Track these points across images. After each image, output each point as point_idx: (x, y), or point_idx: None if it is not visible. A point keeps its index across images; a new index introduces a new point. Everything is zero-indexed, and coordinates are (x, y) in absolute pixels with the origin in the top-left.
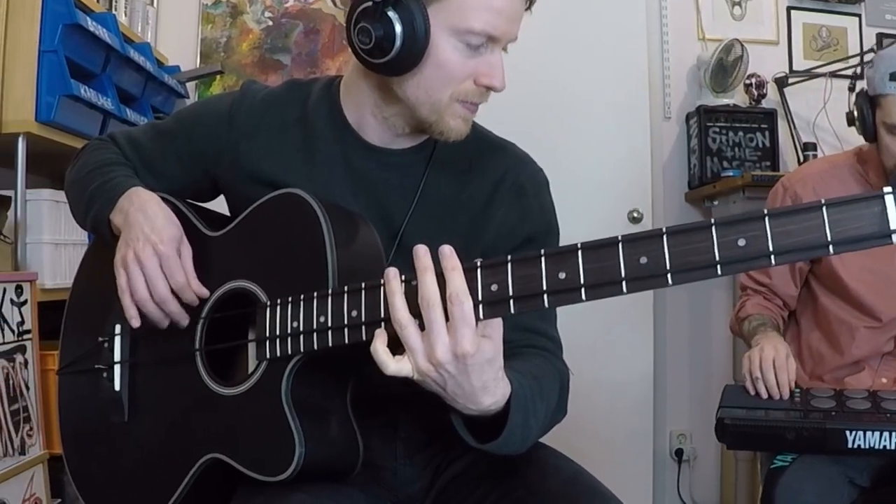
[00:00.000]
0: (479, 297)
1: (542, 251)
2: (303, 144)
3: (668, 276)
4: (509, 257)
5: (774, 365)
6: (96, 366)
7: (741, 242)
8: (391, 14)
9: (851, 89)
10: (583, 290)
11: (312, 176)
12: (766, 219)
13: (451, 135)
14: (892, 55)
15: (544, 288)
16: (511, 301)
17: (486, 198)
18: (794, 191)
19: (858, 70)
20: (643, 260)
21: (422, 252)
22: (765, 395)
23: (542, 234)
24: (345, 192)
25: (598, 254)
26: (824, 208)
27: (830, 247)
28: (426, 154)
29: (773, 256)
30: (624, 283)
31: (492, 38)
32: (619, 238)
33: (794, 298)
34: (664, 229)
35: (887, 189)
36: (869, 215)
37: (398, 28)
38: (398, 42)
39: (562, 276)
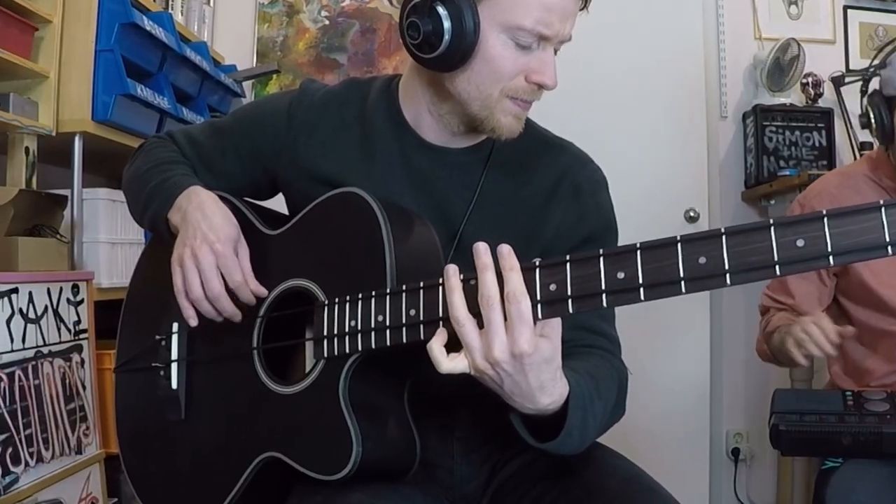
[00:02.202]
0: (538, 297)
1: (601, 251)
2: (361, 143)
3: (727, 276)
4: (568, 257)
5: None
6: (153, 364)
7: (800, 243)
8: (440, 9)
9: (864, 92)
10: (641, 289)
11: (371, 174)
12: (825, 219)
13: (503, 132)
14: None
15: (603, 288)
16: (569, 301)
17: (544, 197)
18: (812, 207)
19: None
20: (702, 260)
21: (482, 250)
22: (817, 353)
23: (601, 233)
24: (403, 191)
25: (656, 254)
26: (883, 209)
27: (889, 247)
28: (484, 153)
29: (831, 257)
30: (683, 283)
31: (543, 37)
32: (678, 238)
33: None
34: (723, 229)
35: None
36: None
37: (446, 23)
38: (447, 37)
39: (620, 275)
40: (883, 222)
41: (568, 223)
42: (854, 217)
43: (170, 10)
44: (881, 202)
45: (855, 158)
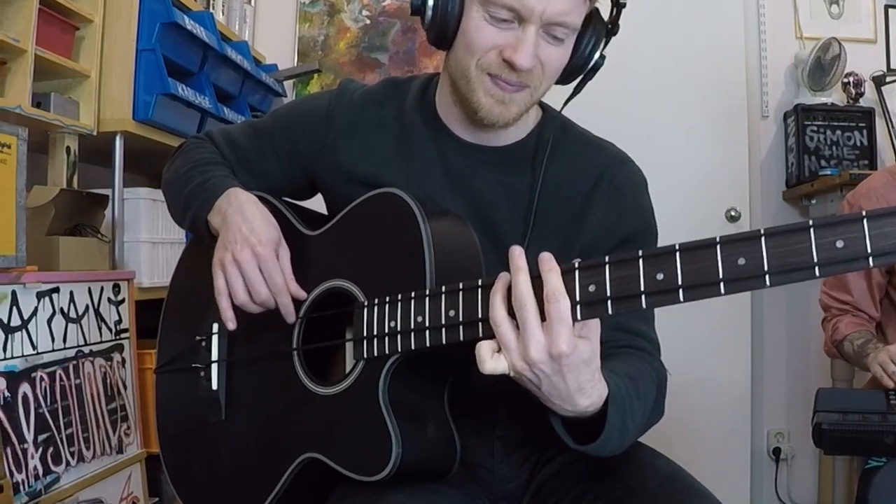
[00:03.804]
0: (577, 298)
1: (640, 252)
2: (400, 143)
3: (767, 277)
4: (607, 258)
5: None
6: (193, 365)
7: (839, 244)
8: None
9: None
10: (681, 291)
11: (410, 174)
12: (865, 220)
13: (484, 114)
14: None
15: (642, 289)
16: (609, 302)
17: (583, 197)
18: (860, 206)
19: None
20: (741, 261)
21: (517, 253)
22: None
23: (640, 234)
24: (443, 191)
25: (695, 255)
26: None
27: None
28: (523, 153)
29: (871, 258)
30: (722, 284)
31: (518, 14)
32: (717, 239)
33: (876, 313)
34: (762, 230)
35: None
36: None
37: (429, 0)
38: (430, 13)
39: (659, 277)
40: None
41: (608, 224)
42: (894, 218)
43: (211, 10)
44: None
45: None
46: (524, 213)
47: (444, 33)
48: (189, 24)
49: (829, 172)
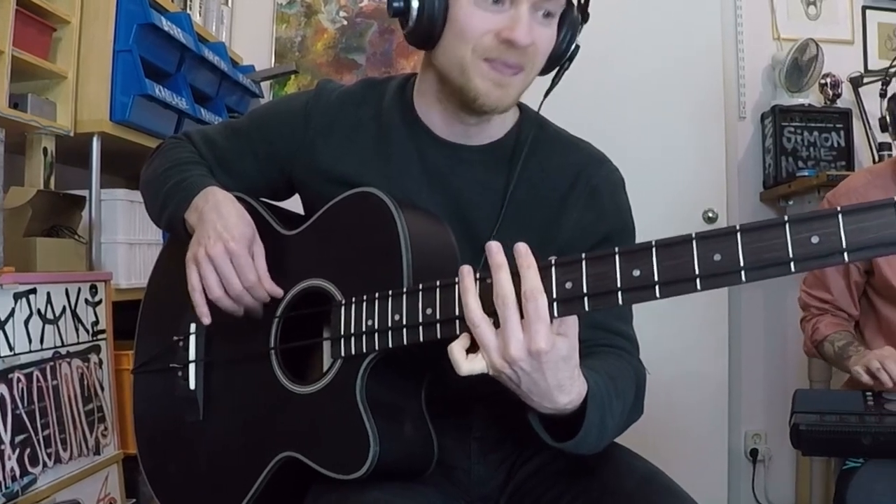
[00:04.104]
0: (554, 295)
1: (616, 249)
2: (377, 142)
3: (742, 272)
4: (583, 255)
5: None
6: (171, 365)
7: (814, 239)
8: None
9: (883, 95)
10: (657, 287)
11: (388, 174)
12: (840, 216)
13: (483, 99)
14: None
15: (619, 285)
16: (585, 298)
17: (561, 197)
18: (839, 205)
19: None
20: (717, 257)
21: (495, 249)
22: (889, 384)
23: (618, 233)
24: (421, 190)
25: (672, 251)
26: None
27: None
28: (502, 152)
29: (846, 253)
30: (698, 280)
31: None
32: (693, 235)
33: (856, 312)
34: (738, 226)
35: None
36: None
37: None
38: (415, 11)
39: (636, 273)
40: None
41: (585, 223)
42: (869, 213)
43: (188, 11)
44: (895, 198)
45: (873, 159)
46: (503, 213)
47: (431, 29)
48: (166, 25)
49: (806, 173)
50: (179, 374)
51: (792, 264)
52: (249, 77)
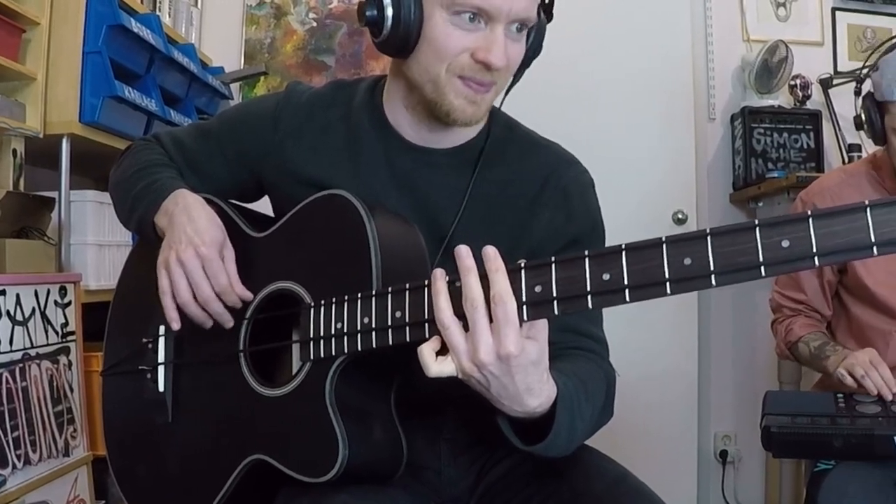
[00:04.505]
0: (524, 299)
1: (586, 252)
2: (347, 145)
3: (713, 277)
4: (553, 258)
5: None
6: (140, 367)
7: (785, 243)
8: None
9: (857, 93)
10: (627, 291)
11: (357, 176)
12: (810, 220)
13: (457, 116)
14: None
15: (588, 289)
16: (555, 302)
17: (531, 199)
18: (813, 204)
19: (863, 73)
20: (687, 261)
21: (464, 253)
22: (874, 392)
23: (588, 235)
24: (389, 192)
25: (641, 255)
26: (868, 209)
27: (874, 248)
28: (470, 155)
29: (816, 258)
30: (668, 284)
31: (485, 13)
32: (664, 239)
33: (829, 312)
34: (708, 230)
35: None
36: None
37: (388, 8)
38: (389, 21)
39: (606, 277)
40: (868, 222)
41: (555, 225)
42: (840, 217)
43: (157, 12)
44: (866, 202)
45: (843, 160)
46: (471, 215)
47: (405, 42)
48: (135, 26)
49: (775, 175)
50: (148, 376)
51: (762, 268)
52: (219, 78)
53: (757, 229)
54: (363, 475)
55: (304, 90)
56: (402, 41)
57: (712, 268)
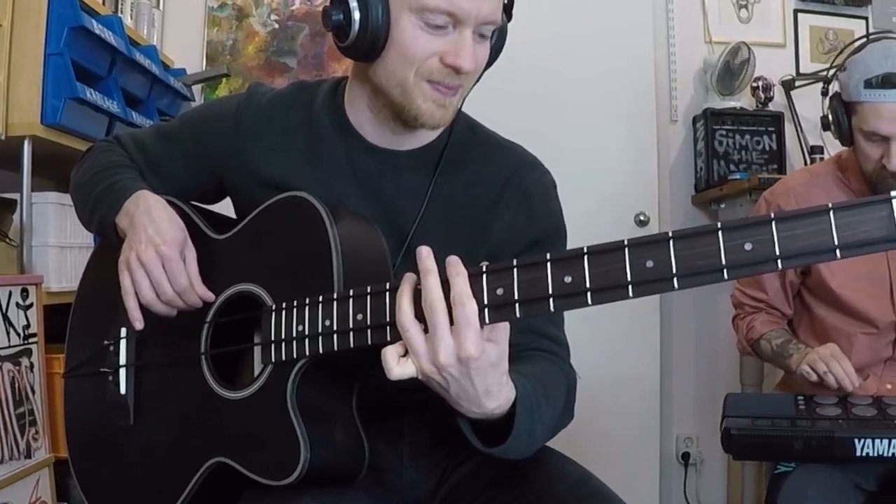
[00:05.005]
0: (485, 301)
1: (548, 255)
2: (308, 146)
3: (675, 280)
4: (515, 262)
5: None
6: (101, 369)
7: (748, 246)
8: None
9: (825, 93)
10: (589, 294)
11: (318, 178)
12: (773, 223)
13: (425, 119)
14: (865, 61)
15: (550, 292)
16: (517, 305)
17: (492, 200)
18: (778, 204)
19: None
20: (649, 264)
21: (424, 254)
22: (835, 386)
23: (549, 236)
24: (351, 195)
25: (603, 258)
26: (831, 212)
27: (837, 251)
28: (432, 156)
29: (779, 261)
30: (630, 287)
31: (454, 17)
32: (626, 242)
33: (790, 311)
34: (670, 233)
35: (895, 193)
36: (876, 219)
37: (355, 12)
38: (356, 25)
39: (567, 280)
40: (832, 225)
41: (516, 227)
42: (803, 220)
43: (119, 14)
44: (829, 205)
45: (805, 162)
46: (432, 216)
47: (372, 47)
48: (97, 28)
49: (738, 177)
50: (110, 378)
51: (725, 271)
52: (181, 80)
53: (719, 232)
54: (325, 478)
55: (266, 92)
56: (369, 46)
57: (674, 271)
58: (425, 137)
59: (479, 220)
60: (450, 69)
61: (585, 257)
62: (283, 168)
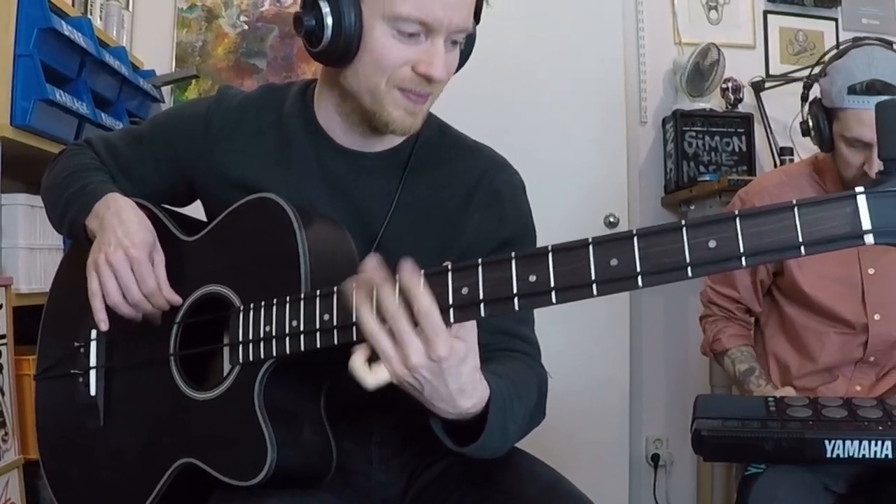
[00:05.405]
0: (450, 301)
1: (513, 254)
2: (278, 148)
3: (639, 277)
4: (480, 260)
5: None
6: (72, 371)
7: (712, 244)
8: (322, 4)
9: (805, 99)
10: (553, 292)
11: (288, 180)
12: (737, 220)
13: (396, 126)
14: (848, 68)
15: (515, 291)
16: (482, 304)
17: (461, 201)
18: (752, 203)
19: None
20: (613, 262)
21: (370, 265)
22: None
23: (519, 238)
24: (320, 196)
25: (568, 256)
26: (796, 209)
27: (802, 248)
28: (401, 158)
29: (743, 258)
30: (594, 285)
31: (427, 26)
32: (590, 240)
33: (759, 308)
34: (634, 231)
35: (859, 189)
36: (841, 215)
37: (328, 18)
38: (329, 31)
39: (532, 278)
40: (796, 222)
41: (486, 228)
42: (767, 217)
43: (88, 16)
44: (794, 201)
45: (775, 164)
46: (401, 218)
47: (344, 53)
48: (67, 29)
49: (707, 178)
50: (80, 380)
51: (689, 269)
52: (150, 82)
53: (684, 229)
54: (293, 478)
55: (236, 94)
56: (341, 52)
57: (639, 269)
58: (395, 139)
59: (450, 221)
60: (421, 77)
61: (550, 255)
62: (253, 170)
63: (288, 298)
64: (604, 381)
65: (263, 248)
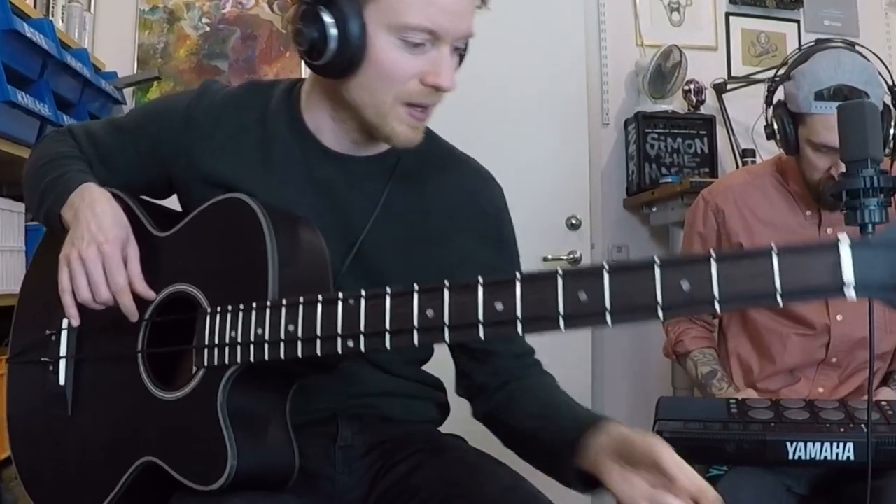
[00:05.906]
0: (415, 323)
1: (480, 279)
2: (260, 148)
3: (607, 314)
4: (447, 283)
5: None
6: (42, 359)
7: (685, 286)
8: (324, 15)
9: (768, 103)
10: (519, 323)
11: (268, 180)
12: (713, 262)
13: (399, 140)
14: (815, 72)
15: (480, 319)
16: (446, 329)
17: (446, 216)
18: (716, 203)
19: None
20: (582, 297)
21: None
22: None
23: (501, 263)
24: (302, 198)
25: (536, 286)
26: (775, 255)
27: (779, 296)
28: (389, 164)
29: (717, 303)
30: (561, 319)
31: (434, 35)
32: (559, 271)
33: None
34: (606, 265)
35: (842, 236)
36: (821, 266)
37: (331, 30)
38: (332, 44)
39: (499, 307)
40: (774, 269)
41: (470, 248)
42: (745, 261)
43: (50, 17)
44: (772, 246)
45: (737, 165)
46: (383, 224)
47: (349, 66)
48: (29, 31)
49: (669, 180)
50: (50, 368)
51: (660, 311)
52: (112, 83)
53: (656, 268)
54: (255, 483)
55: (219, 89)
56: (345, 65)
57: (608, 306)
58: (383, 144)
59: (433, 234)
60: (430, 89)
61: (518, 284)
62: (233, 168)
63: (254, 305)
64: (565, 383)
65: (233, 251)
